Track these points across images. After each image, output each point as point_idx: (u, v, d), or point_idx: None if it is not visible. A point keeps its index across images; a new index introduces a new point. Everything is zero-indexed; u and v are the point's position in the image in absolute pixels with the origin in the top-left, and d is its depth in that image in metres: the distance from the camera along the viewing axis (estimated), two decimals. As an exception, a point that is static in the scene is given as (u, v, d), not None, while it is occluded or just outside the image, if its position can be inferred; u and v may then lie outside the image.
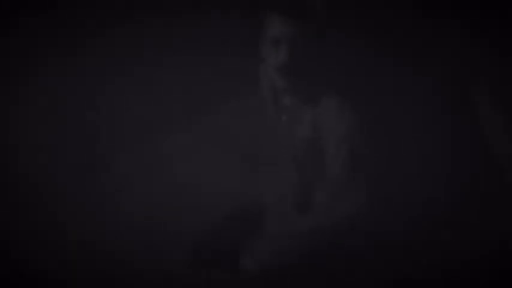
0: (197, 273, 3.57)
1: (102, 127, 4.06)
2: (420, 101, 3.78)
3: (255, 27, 3.45)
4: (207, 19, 4.08)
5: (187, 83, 4.09)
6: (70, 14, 4.12)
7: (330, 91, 3.43)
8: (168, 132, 4.01)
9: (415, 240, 3.59)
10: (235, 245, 3.52)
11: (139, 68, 4.10)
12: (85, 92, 4.09)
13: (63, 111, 4.07)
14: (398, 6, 3.83)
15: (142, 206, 3.93)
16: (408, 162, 3.66)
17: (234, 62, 4.02)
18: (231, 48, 4.05)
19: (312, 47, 3.36)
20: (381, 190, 3.40)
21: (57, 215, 3.92)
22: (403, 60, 3.79)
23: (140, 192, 3.96)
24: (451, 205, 3.68)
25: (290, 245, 3.39)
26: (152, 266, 3.76)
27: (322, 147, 3.43)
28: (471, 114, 3.77)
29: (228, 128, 3.95)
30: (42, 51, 4.10)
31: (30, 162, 4.00)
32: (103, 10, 4.12)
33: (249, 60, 3.83)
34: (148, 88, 4.10)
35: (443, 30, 3.83)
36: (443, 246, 3.62)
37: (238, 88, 3.97)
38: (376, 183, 3.38)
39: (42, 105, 4.07)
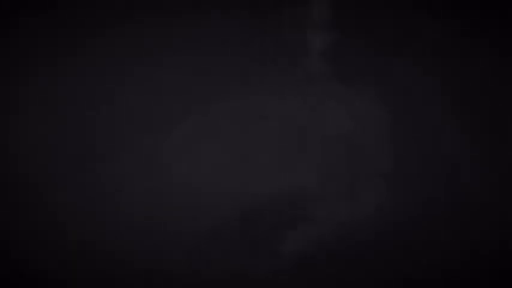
0: (197, 273, 3.57)
1: (102, 127, 4.06)
2: (420, 101, 3.78)
3: (255, 27, 3.45)
4: (207, 19, 4.08)
5: (187, 83, 4.09)
6: (70, 14, 4.12)
7: (370, 81, 3.43)
8: (168, 132, 4.01)
9: (415, 240, 3.59)
10: (275, 231, 3.54)
11: (139, 68, 4.10)
12: (85, 92, 4.09)
13: (63, 111, 4.07)
14: (398, 6, 3.83)
15: (142, 206, 3.93)
16: (408, 162, 3.66)
17: (234, 62, 4.02)
18: (231, 48, 4.05)
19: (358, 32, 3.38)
20: (399, 190, 3.42)
21: (57, 215, 3.92)
22: (403, 60, 3.79)
23: (140, 192, 3.96)
24: (451, 205, 3.68)
25: (331, 232, 3.40)
26: (152, 266, 3.76)
27: (360, 137, 3.44)
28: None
29: (228, 128, 3.95)
30: (42, 51, 4.10)
31: (30, 162, 4.00)
32: (103, 10, 4.13)
33: (249, 60, 3.83)
34: (148, 88, 4.10)
35: (443, 30, 3.83)
36: (443, 246, 3.63)
37: (239, 88, 3.97)
38: (395, 183, 3.39)
39: (42, 105, 4.07)
